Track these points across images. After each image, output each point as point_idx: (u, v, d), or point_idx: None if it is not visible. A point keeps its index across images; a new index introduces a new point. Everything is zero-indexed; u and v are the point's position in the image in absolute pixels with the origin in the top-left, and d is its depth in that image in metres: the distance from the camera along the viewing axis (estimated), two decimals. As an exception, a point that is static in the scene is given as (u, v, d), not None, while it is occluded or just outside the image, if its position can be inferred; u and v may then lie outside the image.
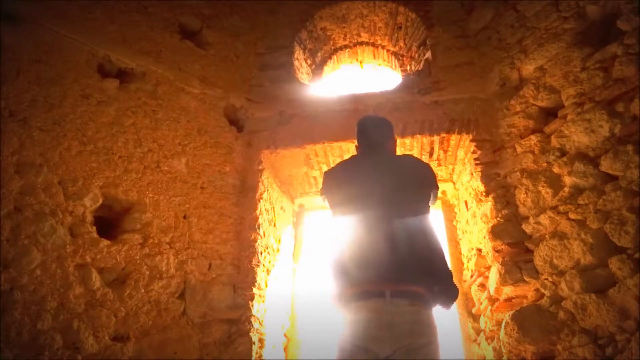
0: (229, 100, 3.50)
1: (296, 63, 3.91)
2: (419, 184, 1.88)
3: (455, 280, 3.44)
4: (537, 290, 2.59)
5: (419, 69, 3.73)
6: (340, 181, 2.00)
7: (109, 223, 2.76)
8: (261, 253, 3.13)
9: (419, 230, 1.75)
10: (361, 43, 4.40)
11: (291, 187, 3.87)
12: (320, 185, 3.82)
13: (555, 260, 2.52)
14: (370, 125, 2.11)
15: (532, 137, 2.91)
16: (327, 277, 1.83)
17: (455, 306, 3.36)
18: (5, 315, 2.09)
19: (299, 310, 3.59)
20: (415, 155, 3.47)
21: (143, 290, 2.61)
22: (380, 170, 1.92)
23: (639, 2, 2.55)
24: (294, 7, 4.07)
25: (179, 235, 2.88)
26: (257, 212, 3.20)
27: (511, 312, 2.59)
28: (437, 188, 1.98)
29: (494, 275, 2.78)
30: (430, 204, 1.90)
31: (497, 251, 2.77)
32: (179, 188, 3.00)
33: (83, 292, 2.38)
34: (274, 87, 3.68)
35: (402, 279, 1.63)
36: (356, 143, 2.13)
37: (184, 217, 2.96)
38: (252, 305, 2.90)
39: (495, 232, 2.81)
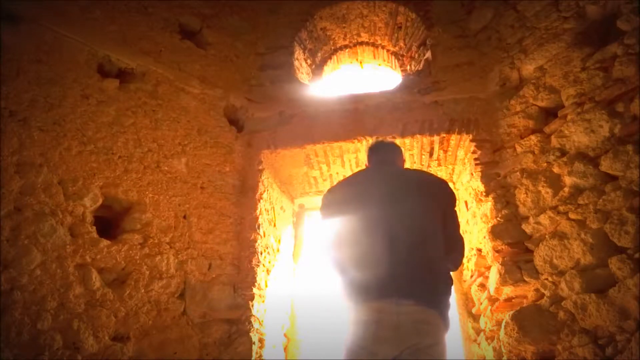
0: (229, 100, 3.49)
1: (296, 63, 3.91)
2: (425, 193, 1.84)
3: (455, 280, 3.45)
4: (537, 290, 2.59)
5: (419, 69, 3.73)
6: (343, 185, 2.03)
7: (109, 223, 2.76)
8: (261, 253, 3.13)
9: (421, 235, 1.72)
10: (361, 43, 4.40)
11: (291, 187, 3.87)
12: (319, 186, 3.84)
13: (555, 260, 2.52)
14: (380, 146, 2.20)
15: (532, 137, 2.91)
16: (332, 278, 1.84)
17: (455, 306, 3.36)
18: (5, 315, 2.09)
19: (299, 310, 3.59)
20: (415, 154, 3.48)
21: (143, 290, 2.61)
22: (383, 175, 1.94)
23: (639, 2, 2.55)
24: (294, 7, 4.07)
25: (179, 235, 2.88)
26: (257, 212, 3.20)
27: (511, 312, 2.59)
28: (452, 203, 1.93)
29: (494, 275, 2.78)
30: (445, 217, 1.84)
31: (497, 251, 2.76)
32: (179, 188, 3.00)
33: (83, 292, 2.38)
34: (274, 87, 3.68)
35: (405, 279, 1.62)
36: (366, 162, 2.19)
37: (184, 217, 2.96)
38: (252, 305, 2.90)
39: (495, 232, 2.81)
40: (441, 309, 1.66)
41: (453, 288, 3.39)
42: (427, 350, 1.55)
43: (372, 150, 2.16)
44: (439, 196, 1.87)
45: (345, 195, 1.95)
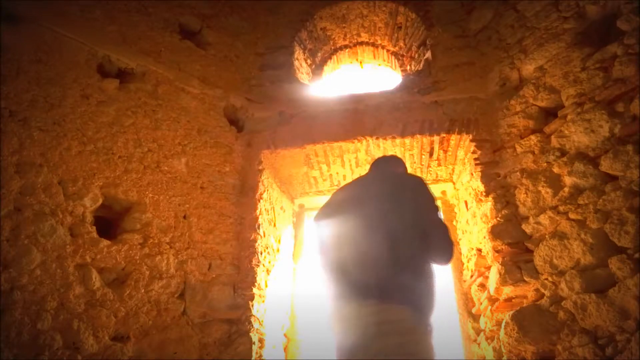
0: (229, 100, 3.50)
1: (296, 63, 3.91)
2: (395, 192, 1.82)
3: (455, 280, 3.44)
4: (537, 290, 2.59)
5: (419, 69, 3.73)
6: (341, 188, 2.08)
7: (109, 223, 2.76)
8: (261, 253, 3.13)
9: (401, 235, 1.69)
10: (361, 43, 4.40)
11: (291, 187, 3.87)
12: (319, 186, 3.84)
13: (555, 260, 2.52)
14: (383, 158, 2.24)
15: (532, 137, 2.91)
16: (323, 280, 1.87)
17: (455, 306, 3.36)
18: (5, 315, 2.09)
19: (299, 310, 3.59)
20: (415, 154, 3.48)
21: (143, 290, 2.61)
22: (378, 179, 1.97)
23: (639, 2, 2.55)
24: (294, 7, 4.07)
25: (179, 235, 2.88)
26: (257, 212, 3.20)
27: (511, 312, 2.59)
28: (428, 198, 1.85)
29: (494, 275, 2.78)
30: (422, 212, 1.77)
31: (497, 251, 2.76)
32: (179, 188, 3.00)
33: (83, 292, 2.38)
34: (274, 87, 3.68)
35: (371, 280, 1.61)
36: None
37: (184, 217, 2.96)
38: (252, 305, 2.90)
39: (495, 232, 2.81)
40: (415, 304, 1.59)
41: (453, 288, 3.41)
42: (396, 350, 1.48)
43: (373, 165, 2.21)
44: (413, 193, 1.81)
45: (327, 204, 2.01)
